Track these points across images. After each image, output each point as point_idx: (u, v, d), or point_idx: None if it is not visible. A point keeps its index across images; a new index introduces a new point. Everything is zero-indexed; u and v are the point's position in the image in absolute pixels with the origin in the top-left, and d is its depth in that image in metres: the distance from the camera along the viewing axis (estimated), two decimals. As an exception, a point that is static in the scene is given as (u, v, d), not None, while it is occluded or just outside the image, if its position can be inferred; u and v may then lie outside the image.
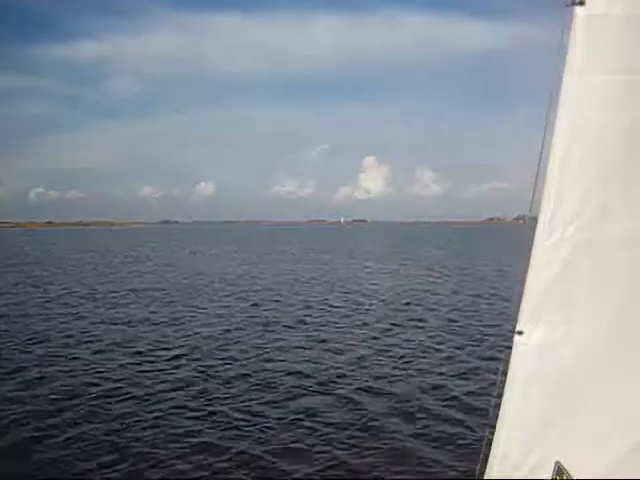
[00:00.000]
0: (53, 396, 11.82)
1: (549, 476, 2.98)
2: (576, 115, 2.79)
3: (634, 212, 2.80)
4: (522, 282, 3.00)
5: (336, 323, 20.19)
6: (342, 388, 12.53)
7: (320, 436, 9.98)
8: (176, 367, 14.28)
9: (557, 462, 2.97)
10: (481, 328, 19.48)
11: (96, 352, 15.76)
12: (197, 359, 15.02)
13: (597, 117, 2.79)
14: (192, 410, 11.09)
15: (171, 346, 16.55)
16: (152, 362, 14.76)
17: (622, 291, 2.86)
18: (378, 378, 13.39)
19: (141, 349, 16.18)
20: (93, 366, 14.20)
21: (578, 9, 2.74)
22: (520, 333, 2.99)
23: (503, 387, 3.08)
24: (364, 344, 16.92)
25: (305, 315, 21.67)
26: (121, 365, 14.40)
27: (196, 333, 18.34)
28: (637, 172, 2.77)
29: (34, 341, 17.14)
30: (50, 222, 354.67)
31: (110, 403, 11.44)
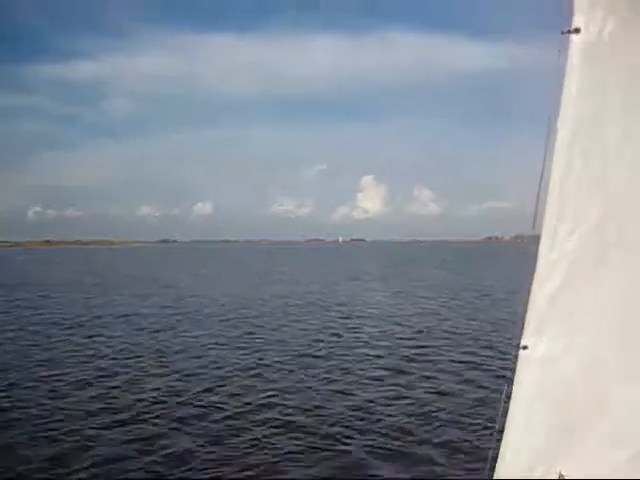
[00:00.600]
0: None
1: None
2: (574, 136, 2.95)
3: (631, 225, 2.94)
4: (526, 298, 3.11)
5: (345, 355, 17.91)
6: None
7: (327, 442, 10.11)
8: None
9: (559, 472, 3.06)
10: (486, 340, 19.66)
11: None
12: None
13: (594, 137, 2.94)
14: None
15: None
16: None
17: (622, 301, 2.98)
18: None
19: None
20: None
21: (574, 36, 2.89)
22: (525, 348, 3.09)
23: (509, 400, 3.17)
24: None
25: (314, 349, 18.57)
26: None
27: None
28: (633, 187, 2.92)
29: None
30: (48, 241, 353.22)
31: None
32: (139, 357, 17.37)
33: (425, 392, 13.29)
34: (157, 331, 22.40)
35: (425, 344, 19.24)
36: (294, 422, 11.21)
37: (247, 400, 12.59)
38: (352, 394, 13.23)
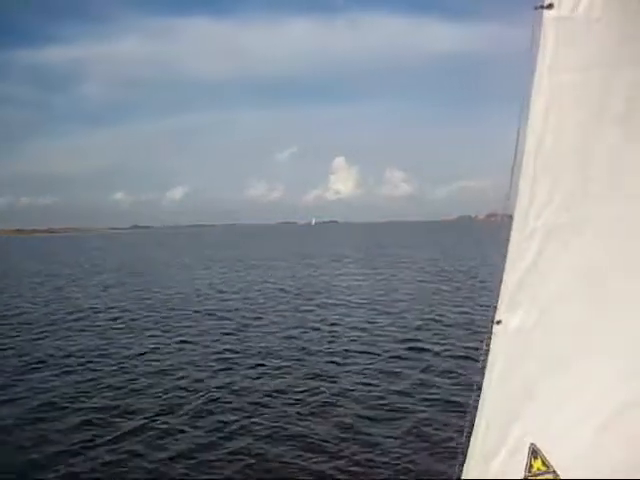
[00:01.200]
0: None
1: (525, 458, 3.12)
2: (547, 112, 2.95)
3: (602, 200, 2.96)
4: (500, 274, 3.14)
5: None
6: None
7: (302, 439, 10.09)
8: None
9: (532, 444, 3.12)
10: (463, 319, 19.87)
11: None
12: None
13: (566, 112, 2.95)
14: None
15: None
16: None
17: (593, 276, 3.03)
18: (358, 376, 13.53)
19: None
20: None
21: (546, 12, 2.88)
22: (499, 322, 3.13)
23: (484, 374, 3.21)
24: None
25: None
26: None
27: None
28: (602, 162, 2.95)
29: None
30: (19, 230, 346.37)
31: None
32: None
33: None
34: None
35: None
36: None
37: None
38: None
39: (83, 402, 12.13)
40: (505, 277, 3.10)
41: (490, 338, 3.15)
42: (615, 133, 2.91)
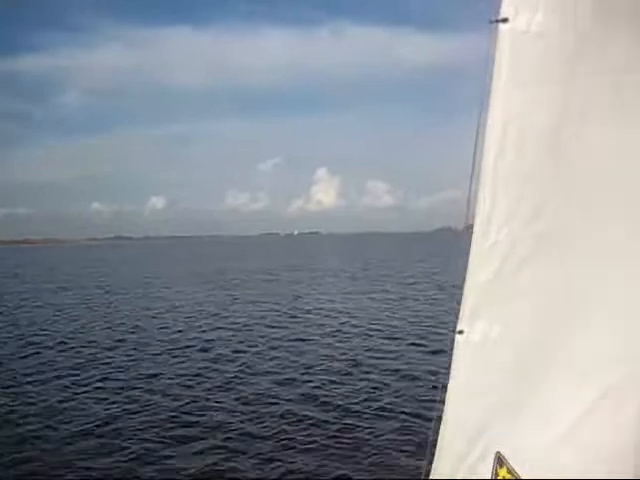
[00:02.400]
0: None
1: (491, 467, 3.14)
2: (505, 126, 2.99)
3: (561, 211, 3.00)
4: (463, 284, 3.17)
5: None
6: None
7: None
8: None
9: (497, 452, 3.14)
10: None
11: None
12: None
13: (522, 123, 2.99)
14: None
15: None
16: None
17: (555, 290, 3.06)
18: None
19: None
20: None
21: (502, 26, 2.93)
22: (460, 332, 3.16)
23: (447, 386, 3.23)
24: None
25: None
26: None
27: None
28: (558, 173, 2.98)
29: None
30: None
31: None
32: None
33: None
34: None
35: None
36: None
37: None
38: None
39: None
40: (466, 287, 3.13)
41: (452, 347, 3.18)
42: (571, 147, 2.95)
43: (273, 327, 22.63)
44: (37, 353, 18.55)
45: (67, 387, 14.36)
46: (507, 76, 2.94)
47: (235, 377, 14.83)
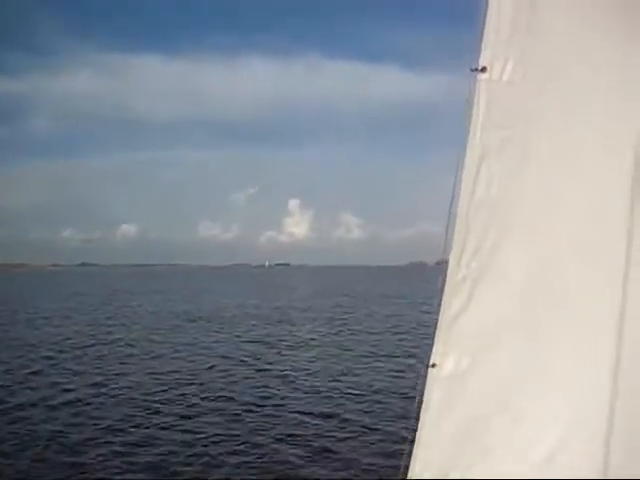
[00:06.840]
0: None
1: None
2: (479, 165, 3.20)
3: (524, 247, 3.22)
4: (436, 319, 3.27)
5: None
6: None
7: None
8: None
9: None
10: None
11: None
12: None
13: (493, 167, 3.21)
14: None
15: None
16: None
17: (523, 321, 3.21)
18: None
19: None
20: None
21: (480, 75, 3.15)
22: (433, 366, 3.25)
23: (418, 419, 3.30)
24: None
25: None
26: None
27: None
28: (525, 215, 3.23)
29: None
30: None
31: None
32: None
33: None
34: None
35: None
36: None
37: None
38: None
39: None
40: (439, 321, 3.25)
41: (425, 380, 3.26)
42: (536, 188, 3.20)
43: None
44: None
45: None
46: (483, 121, 3.18)
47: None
